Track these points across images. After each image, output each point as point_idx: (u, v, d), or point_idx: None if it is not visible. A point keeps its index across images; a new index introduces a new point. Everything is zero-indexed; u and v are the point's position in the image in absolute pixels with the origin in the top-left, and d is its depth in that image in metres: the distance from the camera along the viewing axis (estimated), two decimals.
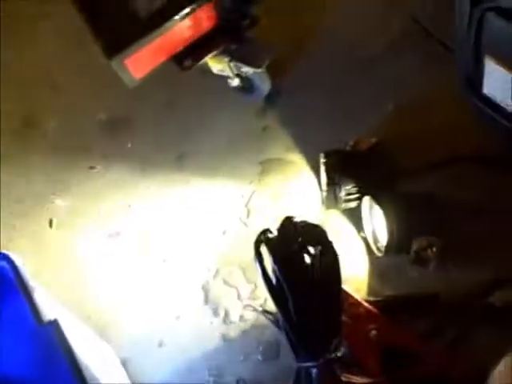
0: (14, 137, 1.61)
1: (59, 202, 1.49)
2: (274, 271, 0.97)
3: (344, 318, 1.06)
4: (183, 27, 1.30)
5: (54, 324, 0.89)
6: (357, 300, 1.13)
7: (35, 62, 1.69)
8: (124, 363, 1.27)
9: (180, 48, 1.33)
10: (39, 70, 1.68)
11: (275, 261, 0.97)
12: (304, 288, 0.97)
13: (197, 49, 1.35)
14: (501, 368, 0.76)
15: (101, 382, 0.98)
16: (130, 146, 1.54)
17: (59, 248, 1.44)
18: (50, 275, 1.40)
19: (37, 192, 1.52)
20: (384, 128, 1.39)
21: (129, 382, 1.23)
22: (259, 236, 1.00)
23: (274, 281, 0.98)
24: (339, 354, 0.98)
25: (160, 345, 1.28)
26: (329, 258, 0.99)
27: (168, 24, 1.27)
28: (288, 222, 1.02)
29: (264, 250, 0.99)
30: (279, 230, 1.01)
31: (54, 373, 0.89)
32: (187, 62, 1.35)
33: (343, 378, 0.98)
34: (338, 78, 1.51)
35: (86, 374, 0.88)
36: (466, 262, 1.21)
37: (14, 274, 0.90)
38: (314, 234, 1.00)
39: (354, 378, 0.99)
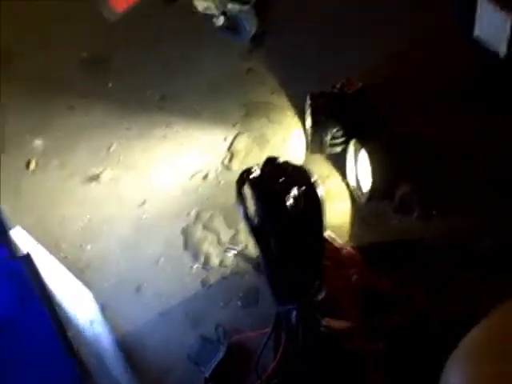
0: None
1: (37, 143, 1.45)
2: (256, 211, 0.95)
3: (325, 262, 1.05)
4: None
5: (27, 258, 0.86)
6: (339, 245, 1.11)
7: None
8: (102, 308, 1.25)
9: None
10: (14, 3, 1.61)
11: (257, 201, 0.95)
12: (286, 229, 0.96)
13: None
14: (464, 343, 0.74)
15: (76, 318, 0.96)
16: (110, 85, 1.49)
17: (37, 190, 1.40)
18: (27, 217, 1.36)
19: (13, 132, 1.47)
20: (372, 71, 1.34)
21: (106, 326, 1.22)
22: (241, 175, 0.98)
23: (255, 221, 0.96)
24: (319, 298, 0.97)
25: (138, 290, 1.26)
26: (312, 199, 0.96)
27: None
28: (271, 162, 1.00)
29: (246, 189, 0.96)
30: (262, 169, 0.99)
31: (27, 307, 0.87)
32: None
33: (323, 322, 0.97)
34: (326, 19, 1.45)
35: (60, 309, 0.85)
36: (450, 209, 1.18)
37: None
38: (298, 175, 0.98)
39: (334, 323, 0.98)
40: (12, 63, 1.56)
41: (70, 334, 0.87)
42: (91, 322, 1.11)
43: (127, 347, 1.19)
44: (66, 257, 1.30)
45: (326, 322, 0.97)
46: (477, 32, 1.23)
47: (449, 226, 1.16)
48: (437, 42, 1.33)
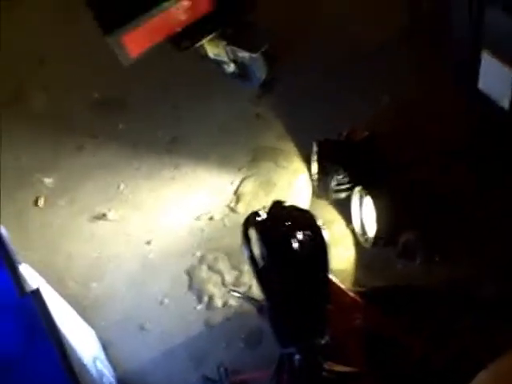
0: (1, 112, 1.57)
1: (46, 181, 1.47)
2: (261, 254, 0.96)
3: (329, 306, 1.05)
4: (182, 8, 1.30)
5: (36, 293, 0.87)
6: (342, 289, 1.11)
7: (24, 34, 1.66)
8: (105, 346, 1.25)
9: (178, 29, 1.32)
10: (28, 43, 1.65)
11: (263, 243, 0.95)
12: (291, 272, 0.96)
13: (195, 31, 1.35)
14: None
15: (80, 355, 0.96)
16: (121, 127, 1.52)
17: (45, 227, 1.42)
18: (34, 254, 1.37)
19: (23, 170, 1.49)
20: (378, 120, 1.38)
21: (108, 364, 1.22)
22: (248, 218, 0.98)
23: (260, 264, 0.96)
24: (323, 342, 0.97)
25: (142, 329, 1.26)
26: (317, 243, 0.97)
27: (167, 3, 1.27)
28: (277, 205, 1.01)
29: (252, 232, 0.97)
30: (268, 213, 0.99)
31: (36, 343, 0.88)
32: (185, 43, 1.35)
33: (326, 366, 0.97)
34: (334, 69, 1.49)
35: (67, 345, 0.86)
36: (453, 255, 1.20)
37: None
38: (304, 219, 0.99)
39: (337, 366, 0.97)
40: (24, 102, 1.60)
41: (76, 370, 0.87)
42: (94, 359, 1.11)
43: None
44: (71, 294, 1.31)
45: (328, 365, 0.96)
46: (481, 85, 1.25)
47: (451, 272, 1.17)
48: (443, 92, 1.36)
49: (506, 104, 1.22)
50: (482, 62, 1.22)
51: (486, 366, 0.76)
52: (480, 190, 1.25)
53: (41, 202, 1.45)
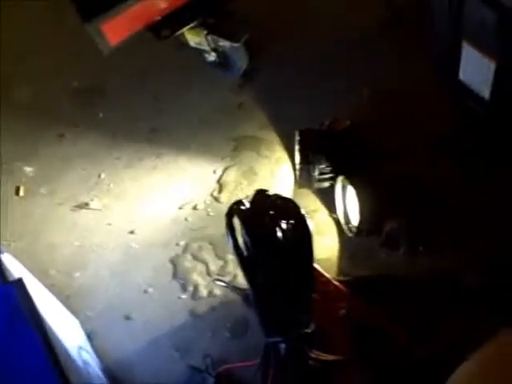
0: None
1: (27, 170, 1.46)
2: (245, 243, 0.96)
3: (314, 295, 1.06)
4: None
5: (19, 283, 0.87)
6: (327, 278, 1.13)
7: (5, 24, 1.63)
8: (89, 336, 1.25)
9: (158, 17, 1.31)
10: (10, 32, 1.63)
11: (247, 233, 0.95)
12: (275, 261, 0.97)
13: (175, 19, 1.34)
14: (455, 377, 0.77)
15: (65, 345, 0.96)
16: (101, 116, 1.52)
17: (26, 216, 1.41)
18: (16, 244, 1.37)
19: (3, 159, 1.48)
20: (359, 111, 1.39)
21: (93, 353, 1.22)
22: (232, 207, 0.99)
23: (245, 253, 0.97)
24: (309, 331, 0.98)
25: (127, 319, 1.26)
26: (301, 232, 0.98)
27: None
28: (261, 194, 1.01)
29: (236, 221, 0.98)
30: (252, 202, 1.00)
31: (19, 332, 0.87)
32: (165, 32, 1.34)
33: (312, 355, 0.98)
34: (316, 59, 1.50)
35: (51, 335, 0.86)
36: (436, 245, 1.21)
37: None
38: (287, 208, 0.99)
39: (323, 355, 0.99)
40: (4, 91, 1.58)
41: (61, 360, 0.87)
42: (80, 349, 1.11)
43: (115, 375, 1.19)
44: (54, 284, 1.31)
45: (314, 354, 0.97)
46: (461, 76, 1.27)
47: (435, 262, 1.19)
48: (424, 82, 1.38)
49: (486, 95, 1.23)
50: (463, 52, 1.24)
51: (468, 355, 0.77)
52: (465, 183, 1.26)
53: (21, 192, 1.44)
